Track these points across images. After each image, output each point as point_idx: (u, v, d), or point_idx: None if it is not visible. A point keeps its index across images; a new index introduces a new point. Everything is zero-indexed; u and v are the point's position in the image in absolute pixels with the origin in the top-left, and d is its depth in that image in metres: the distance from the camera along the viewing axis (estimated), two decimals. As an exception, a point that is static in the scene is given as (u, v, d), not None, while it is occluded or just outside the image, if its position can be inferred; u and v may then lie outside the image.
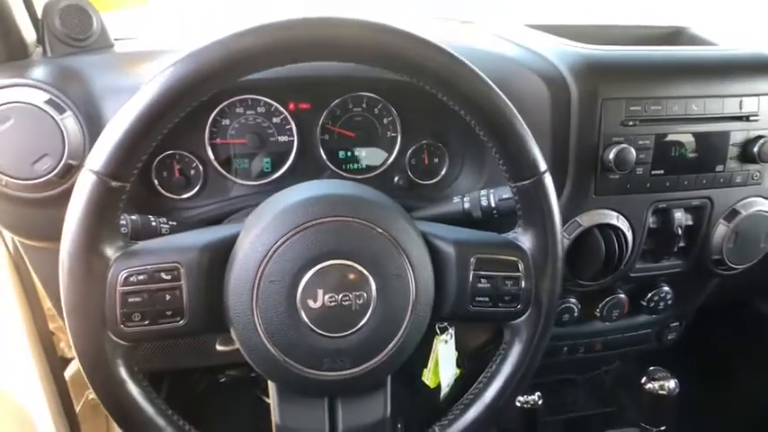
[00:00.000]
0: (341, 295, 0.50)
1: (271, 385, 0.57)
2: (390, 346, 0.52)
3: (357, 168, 0.82)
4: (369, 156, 0.82)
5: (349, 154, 0.81)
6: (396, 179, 0.82)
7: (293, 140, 0.79)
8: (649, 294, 0.91)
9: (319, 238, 0.50)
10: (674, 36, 0.98)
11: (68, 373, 1.11)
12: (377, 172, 0.82)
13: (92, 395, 0.53)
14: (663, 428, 0.91)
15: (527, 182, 0.55)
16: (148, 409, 0.52)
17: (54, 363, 1.07)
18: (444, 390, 0.77)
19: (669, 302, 0.92)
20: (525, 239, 0.57)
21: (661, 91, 0.75)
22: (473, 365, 0.86)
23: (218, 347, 0.70)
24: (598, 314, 0.91)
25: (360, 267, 0.50)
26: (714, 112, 0.77)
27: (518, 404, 0.95)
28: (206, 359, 0.95)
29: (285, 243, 0.49)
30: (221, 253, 0.52)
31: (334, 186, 0.55)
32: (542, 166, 0.54)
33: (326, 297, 0.49)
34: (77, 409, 1.10)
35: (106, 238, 0.49)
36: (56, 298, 0.78)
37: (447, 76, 0.51)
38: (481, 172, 0.80)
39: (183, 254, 0.51)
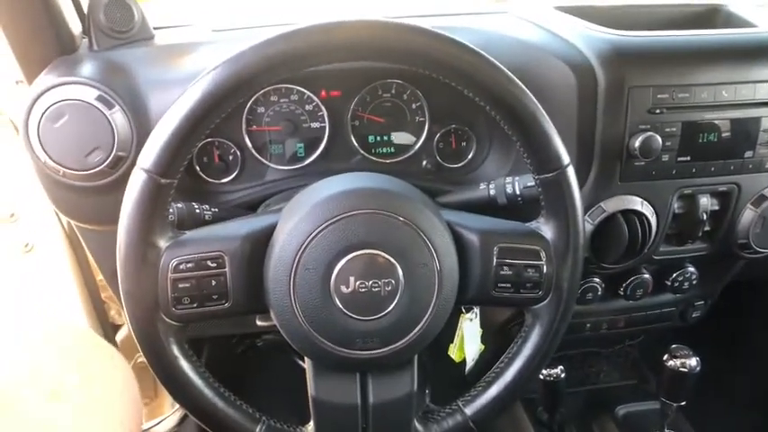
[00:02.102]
0: (371, 282, 0.53)
1: (307, 360, 0.62)
2: (417, 328, 0.56)
3: (386, 153, 0.84)
4: (398, 140, 0.84)
5: (378, 139, 0.83)
6: (424, 162, 0.84)
7: (325, 126, 0.81)
8: (674, 274, 0.92)
9: (350, 230, 0.53)
10: (710, 14, 0.96)
11: (119, 337, 1.20)
12: (405, 156, 0.84)
13: (141, 358, 0.59)
14: (683, 404, 0.94)
15: (550, 174, 0.57)
16: (198, 382, 0.58)
17: (106, 327, 1.15)
18: (469, 364, 0.81)
19: (694, 282, 0.93)
20: (547, 229, 0.59)
21: (690, 78, 0.74)
22: (497, 341, 0.90)
23: (258, 322, 0.76)
24: (622, 293, 0.92)
25: (387, 256, 0.54)
26: (745, 98, 0.76)
27: (541, 377, 0.99)
28: (245, 327, 1.02)
29: (319, 234, 0.53)
30: (261, 241, 0.56)
31: (364, 180, 0.58)
32: (565, 159, 0.56)
33: (357, 283, 0.53)
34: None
35: (158, 230, 0.54)
36: (107, 272, 0.84)
37: (471, 74, 0.53)
38: (507, 157, 0.82)
39: (227, 243, 0.55)
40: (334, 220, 0.53)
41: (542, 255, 0.59)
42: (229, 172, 0.81)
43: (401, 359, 0.59)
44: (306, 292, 0.53)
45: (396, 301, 0.54)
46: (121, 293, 0.54)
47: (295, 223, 0.54)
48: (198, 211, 0.69)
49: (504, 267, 0.59)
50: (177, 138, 0.51)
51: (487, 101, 0.54)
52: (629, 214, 0.77)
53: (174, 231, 0.56)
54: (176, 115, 0.51)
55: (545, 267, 0.59)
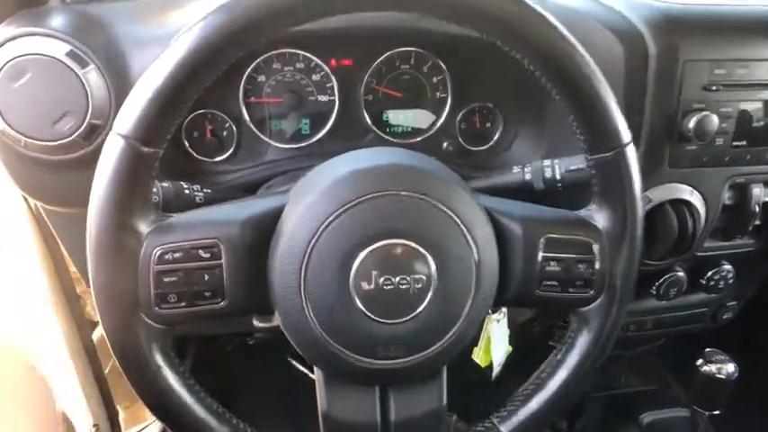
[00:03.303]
0: (397, 278, 0.45)
1: (317, 371, 0.52)
2: (449, 334, 0.48)
3: (402, 132, 0.75)
4: (416, 118, 0.75)
5: (393, 116, 0.75)
6: (444, 144, 0.75)
7: (334, 100, 0.72)
8: (709, 273, 0.85)
9: (374, 215, 0.45)
10: None
11: (96, 335, 1.09)
12: (424, 136, 0.75)
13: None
14: (716, 413, 0.86)
15: (608, 154, 0.48)
16: (186, 396, 0.48)
17: (81, 325, 1.04)
18: (496, 369, 0.73)
19: (730, 281, 0.86)
20: (600, 218, 0.51)
21: (750, 52, 0.67)
22: (518, 342, 0.81)
23: (257, 323, 0.66)
24: (654, 292, 0.85)
25: (419, 248, 0.45)
26: None
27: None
28: (237, 326, 0.91)
29: (336, 219, 0.45)
30: (265, 228, 0.47)
31: (389, 155, 0.49)
32: (626, 136, 0.48)
33: (381, 279, 0.45)
34: (106, 371, 1.09)
35: (138, 211, 0.44)
36: (80, 263, 0.74)
37: (522, 31, 0.44)
38: (540, 138, 0.73)
39: (224, 228, 0.46)
40: (355, 202, 0.45)
41: (595, 248, 0.51)
42: (223, 149, 0.72)
43: (429, 370, 0.51)
44: (319, 289, 0.45)
45: (426, 301, 0.46)
46: (92, 290, 0.45)
47: (307, 206, 0.45)
48: (187, 191, 0.59)
49: (552, 262, 0.51)
50: (163, 97, 0.42)
51: (534, 59, 0.46)
52: (678, 204, 0.69)
53: (159, 214, 0.47)
54: (162, 70, 0.42)
55: (597, 263, 0.51)
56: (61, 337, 0.97)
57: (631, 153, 0.49)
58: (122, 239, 0.44)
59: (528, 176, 0.64)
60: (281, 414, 1.25)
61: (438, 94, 0.74)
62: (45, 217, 0.73)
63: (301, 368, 1.26)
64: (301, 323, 0.46)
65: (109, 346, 0.47)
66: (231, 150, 0.72)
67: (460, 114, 0.75)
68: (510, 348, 0.73)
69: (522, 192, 0.64)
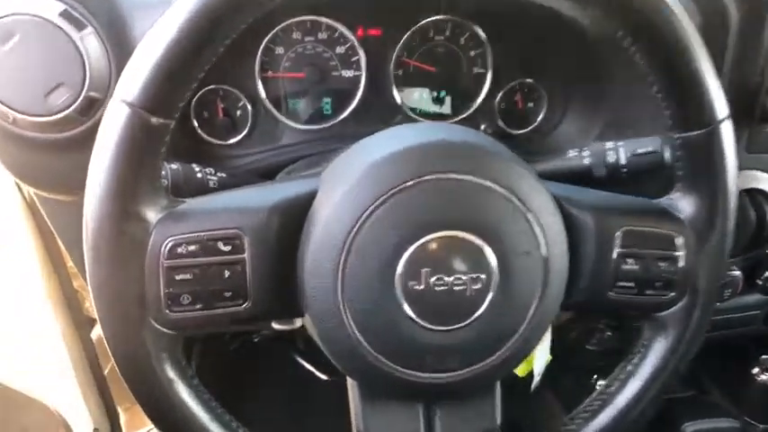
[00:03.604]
0: (452, 277, 0.38)
1: (352, 383, 0.45)
2: (510, 342, 0.41)
3: (435, 113, 0.68)
4: (451, 97, 0.68)
5: (426, 95, 0.67)
6: (482, 126, 0.68)
7: (360, 75, 0.65)
8: (766, 273, 0.77)
9: (425, 202, 0.38)
10: None
11: (95, 334, 1.02)
12: (460, 117, 0.68)
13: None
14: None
15: (700, 131, 0.41)
16: (201, 414, 0.41)
17: (79, 323, 0.97)
18: (536, 379, 0.65)
19: None
20: (686, 207, 0.44)
21: None
22: (557, 348, 0.74)
23: (276, 325, 0.58)
24: (707, 293, 0.77)
25: (478, 241, 0.38)
26: None
27: (597, 386, 0.84)
28: (246, 326, 0.84)
29: (379, 207, 0.37)
30: (296, 217, 0.40)
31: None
32: (722, 110, 0.41)
33: (433, 279, 0.38)
34: (106, 371, 1.02)
35: (145, 195, 0.37)
36: (78, 258, 0.66)
37: None
38: (592, 119, 0.66)
39: (247, 217, 0.39)
40: (401, 187, 0.38)
41: (678, 242, 0.44)
42: (236, 131, 0.64)
43: (483, 384, 0.45)
44: (360, 290, 0.38)
45: (486, 303, 0.39)
46: (90, 290, 0.38)
47: (344, 192, 0.38)
48: (199, 175, 0.52)
49: (629, 259, 0.44)
50: (176, 57, 0.35)
51: (624, 22, 0.38)
52: (756, 195, 0.61)
53: (169, 199, 0.40)
54: (174, 24, 0.34)
55: (681, 260, 0.44)
56: (59, 335, 0.90)
57: (727, 131, 0.41)
58: (126, 228, 0.37)
59: (587, 161, 0.56)
60: (287, 414, 1.19)
61: (476, 69, 0.67)
62: (39, 206, 0.65)
63: (309, 367, 1.20)
64: (337, 329, 0.39)
65: (110, 354, 0.39)
66: (245, 132, 0.64)
67: (501, 93, 0.68)
68: (550, 358, 0.66)
69: (577, 179, 0.57)
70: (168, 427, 0.41)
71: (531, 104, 0.69)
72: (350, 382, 0.45)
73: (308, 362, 1.22)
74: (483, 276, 0.39)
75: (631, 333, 0.73)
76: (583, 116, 0.67)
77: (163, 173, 0.49)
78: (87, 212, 0.37)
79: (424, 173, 0.38)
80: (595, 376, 0.86)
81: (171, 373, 0.40)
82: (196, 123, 0.63)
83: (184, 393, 0.40)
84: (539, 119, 0.69)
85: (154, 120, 0.35)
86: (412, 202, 0.38)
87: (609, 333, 0.82)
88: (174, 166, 0.50)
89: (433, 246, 0.38)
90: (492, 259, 0.39)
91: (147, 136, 0.36)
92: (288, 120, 0.65)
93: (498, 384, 0.47)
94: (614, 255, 0.43)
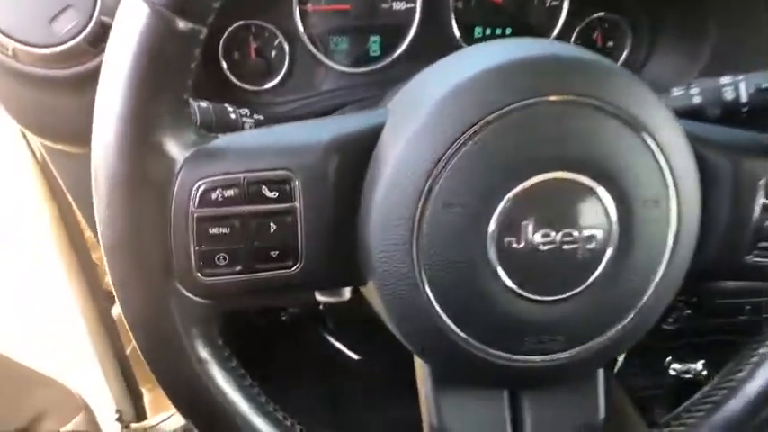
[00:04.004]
0: (561, 233, 0.30)
1: (421, 365, 0.37)
2: (627, 318, 0.33)
3: None
4: (519, 34, 0.58)
5: (490, 30, 0.58)
6: None
7: (414, 8, 0.55)
8: None
9: (526, 135, 0.29)
10: None
11: (116, 310, 0.95)
12: None
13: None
14: None
15: None
16: (240, 404, 0.33)
17: (99, 299, 0.91)
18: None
19: None
20: None
21: None
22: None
23: (319, 296, 0.50)
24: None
25: (595, 186, 0.30)
26: None
27: (673, 372, 0.75)
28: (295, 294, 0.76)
29: (469, 141, 0.29)
30: (359, 157, 0.32)
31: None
32: None
33: (537, 235, 0.30)
34: (128, 350, 0.96)
35: (169, 124, 0.29)
36: (91, 218, 0.59)
37: None
38: (687, 57, 0.56)
39: (299, 155, 0.31)
40: (498, 114, 0.29)
41: None
42: (271, 74, 0.56)
43: (587, 369, 0.37)
44: (443, 249, 0.30)
45: (601, 267, 0.31)
46: (102, 249, 0.31)
47: (422, 124, 0.30)
48: (233, 116, 0.44)
49: None
50: None
51: None
52: None
53: (200, 133, 0.31)
54: None
55: None
56: (78, 312, 0.84)
57: None
58: (145, 166, 0.29)
59: (697, 100, 0.46)
60: (317, 396, 1.13)
61: (549, 1, 0.57)
62: (50, 164, 0.58)
63: (341, 347, 1.14)
64: (411, 299, 0.31)
65: (129, 330, 0.32)
66: (281, 75, 0.56)
67: (577, 29, 0.59)
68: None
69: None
70: (199, 418, 0.34)
71: (611, 42, 0.60)
72: (420, 365, 0.37)
73: (338, 341, 1.15)
74: (599, 232, 0.30)
75: (710, 312, 0.63)
76: (676, 54, 0.57)
77: (191, 110, 0.40)
78: (96, 147, 0.29)
79: (527, 96, 0.29)
80: (669, 358, 0.77)
81: (203, 353, 0.32)
82: (225, 65, 0.54)
83: (220, 378, 0.33)
84: (622, 57, 0.59)
85: (182, 24, 0.27)
86: (511, 134, 0.29)
87: (688, 311, 0.72)
88: (203, 104, 0.42)
89: (539, 192, 0.29)
90: (612, 210, 0.30)
91: (172, 44, 0.28)
92: (330, 61, 0.56)
93: (602, 370, 0.38)
94: (757, 209, 0.35)
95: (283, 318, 1.22)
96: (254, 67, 0.55)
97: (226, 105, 0.43)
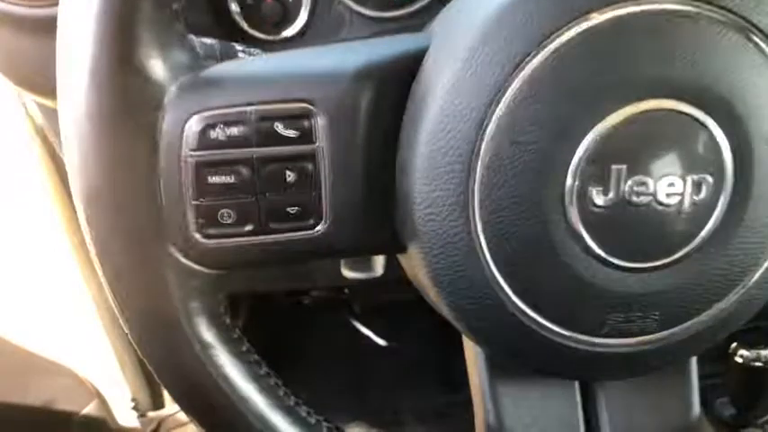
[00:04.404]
0: (661, 180, 0.23)
1: (475, 353, 0.30)
2: (738, 291, 0.26)
3: None
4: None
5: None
6: None
7: None
8: None
9: (617, 53, 0.22)
10: None
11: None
12: None
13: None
14: None
15: None
16: (256, 398, 0.27)
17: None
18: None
19: None
20: None
21: None
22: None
23: (347, 272, 0.43)
24: None
25: (704, 118, 0.23)
26: None
27: (739, 360, 0.68)
28: (301, 282, 0.70)
29: (541, 64, 0.22)
30: (397, 87, 0.25)
31: None
32: None
33: (629, 183, 0.23)
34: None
35: (153, 40, 0.23)
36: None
37: None
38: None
39: (322, 85, 0.25)
40: (579, 29, 0.22)
41: None
42: (290, 21, 0.49)
43: (684, 356, 0.30)
44: (507, 201, 0.23)
45: (711, 224, 0.24)
46: (78, 207, 0.24)
47: (479, 42, 0.23)
48: (242, 55, 0.37)
49: None
50: None
51: None
52: None
53: (195, 57, 0.25)
54: None
55: None
56: (88, 295, 0.79)
57: None
58: (125, 97, 0.22)
59: None
60: (343, 387, 1.08)
61: None
62: (43, 122, 0.52)
63: (367, 332, 1.09)
64: (465, 268, 0.24)
65: (117, 311, 0.26)
66: (300, 22, 0.49)
67: None
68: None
69: None
70: (203, 415, 0.27)
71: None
72: (473, 352, 0.30)
73: (365, 326, 1.09)
74: (709, 178, 0.23)
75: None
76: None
77: (192, 45, 0.34)
78: (62, 77, 0.23)
79: (611, 1, 0.22)
80: (734, 344, 0.69)
81: (207, 335, 0.26)
82: (236, 8, 0.48)
83: (228, 365, 0.26)
84: None
85: None
86: (598, 50, 0.22)
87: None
88: (207, 40, 0.35)
89: (632, 127, 0.22)
90: (725, 150, 0.23)
91: None
92: (356, 5, 0.49)
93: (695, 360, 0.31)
94: None
95: (306, 302, 1.18)
96: (269, 12, 0.48)
97: (234, 44, 0.37)
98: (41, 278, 0.76)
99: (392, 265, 0.46)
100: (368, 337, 1.09)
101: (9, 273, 0.76)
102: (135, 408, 0.84)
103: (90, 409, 0.75)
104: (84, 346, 0.78)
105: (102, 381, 0.79)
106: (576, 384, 0.30)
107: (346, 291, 1.11)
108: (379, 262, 0.41)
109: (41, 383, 0.70)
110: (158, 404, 0.91)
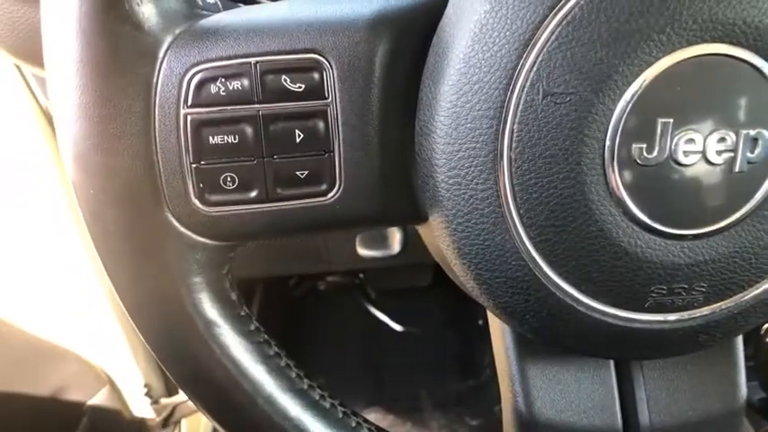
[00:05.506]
0: (711, 136, 0.21)
1: (502, 332, 0.28)
2: None
3: None
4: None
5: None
6: None
7: None
8: None
9: None
10: None
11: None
12: None
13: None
14: None
15: None
16: (265, 380, 0.25)
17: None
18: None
19: None
20: None
21: None
22: None
23: (362, 251, 0.41)
24: None
25: (762, 65, 0.20)
26: None
27: (772, 343, 0.65)
28: (316, 264, 0.68)
29: (579, 5, 0.20)
30: (417, 37, 0.23)
31: None
32: None
33: (675, 140, 0.21)
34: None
35: None
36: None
37: None
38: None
39: (333, 34, 0.22)
40: None
41: None
42: None
43: (732, 333, 0.26)
44: (541, 160, 0.21)
45: (766, 185, 0.22)
46: (66, 170, 0.22)
47: None
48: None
49: None
50: None
51: None
52: None
53: (192, 5, 0.23)
54: None
55: None
56: (97, 280, 0.78)
57: None
58: (116, 49, 0.20)
59: None
60: (359, 372, 1.07)
61: None
62: (49, 109, 0.50)
63: (382, 317, 1.08)
64: (493, 237, 0.22)
65: (113, 290, 0.23)
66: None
67: None
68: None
69: None
70: (208, 399, 0.25)
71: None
72: (500, 330, 0.28)
73: (380, 311, 1.08)
74: (766, 134, 0.21)
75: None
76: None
77: None
78: (47, 29, 0.20)
79: None
80: (767, 326, 0.66)
81: (211, 313, 0.23)
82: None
83: (234, 345, 0.24)
84: None
85: None
86: None
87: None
88: None
89: (680, 76, 0.20)
90: None
91: None
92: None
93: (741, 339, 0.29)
94: None
95: (321, 288, 1.16)
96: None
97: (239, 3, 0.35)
98: (51, 264, 0.75)
99: (407, 247, 0.44)
100: (384, 323, 1.08)
101: (19, 259, 0.74)
102: (147, 394, 0.83)
103: (101, 395, 0.74)
104: (96, 333, 0.76)
105: (113, 367, 0.78)
106: (612, 364, 0.28)
107: (361, 275, 1.10)
108: (396, 239, 0.39)
109: (52, 371, 0.69)
110: (172, 390, 0.90)
